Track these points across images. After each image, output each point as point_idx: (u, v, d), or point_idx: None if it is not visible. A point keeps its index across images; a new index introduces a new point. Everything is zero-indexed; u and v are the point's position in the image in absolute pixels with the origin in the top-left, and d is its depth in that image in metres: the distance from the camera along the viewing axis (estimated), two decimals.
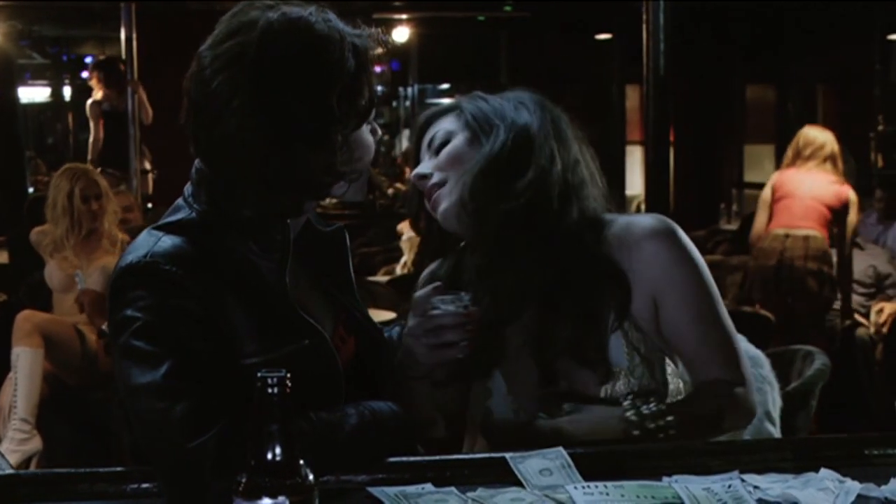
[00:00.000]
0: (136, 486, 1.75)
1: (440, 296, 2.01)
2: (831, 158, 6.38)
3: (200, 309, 1.75)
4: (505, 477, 1.76)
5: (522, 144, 2.14)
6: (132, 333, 1.72)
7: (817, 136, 6.49)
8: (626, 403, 2.07)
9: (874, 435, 1.90)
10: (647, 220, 2.17)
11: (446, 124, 2.22)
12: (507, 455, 1.80)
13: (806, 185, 6.37)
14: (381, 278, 8.77)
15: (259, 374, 1.31)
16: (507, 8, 11.66)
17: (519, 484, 1.74)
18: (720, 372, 2.09)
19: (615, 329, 2.10)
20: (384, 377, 2.06)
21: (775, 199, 6.47)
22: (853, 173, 11.47)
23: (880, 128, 11.33)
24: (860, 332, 6.43)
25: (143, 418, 1.72)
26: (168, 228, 1.84)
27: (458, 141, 2.19)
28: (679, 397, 2.12)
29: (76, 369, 5.18)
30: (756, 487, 1.72)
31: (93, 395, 5.13)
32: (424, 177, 2.20)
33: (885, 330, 6.49)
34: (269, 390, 1.31)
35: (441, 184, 2.18)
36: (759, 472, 1.79)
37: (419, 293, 2.07)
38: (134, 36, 8.65)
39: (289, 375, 1.31)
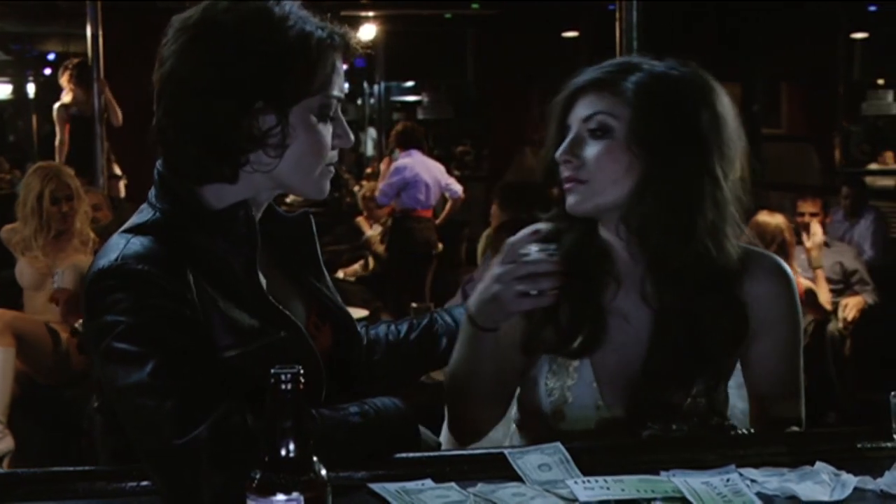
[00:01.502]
0: (134, 484, 1.74)
1: (535, 244, 2.00)
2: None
3: (177, 305, 1.76)
4: (504, 472, 1.76)
5: (695, 173, 2.05)
6: (115, 337, 1.73)
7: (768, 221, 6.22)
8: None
9: (867, 428, 1.92)
10: (769, 258, 2.17)
11: (606, 107, 2.06)
12: (506, 450, 1.81)
13: None
14: (349, 277, 8.78)
15: (273, 371, 1.31)
16: (475, 6, 11.69)
17: (518, 479, 1.75)
18: (784, 410, 2.15)
19: (726, 366, 2.13)
20: (357, 368, 2.09)
21: None
22: (817, 172, 11.63)
23: (845, 126, 11.48)
24: (829, 327, 6.49)
25: (135, 418, 1.72)
26: (136, 230, 1.85)
27: (615, 148, 2.05)
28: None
29: (48, 368, 5.15)
30: (753, 481, 1.74)
31: (65, 393, 5.11)
32: (570, 162, 2.08)
33: (852, 325, 6.57)
34: (283, 387, 1.31)
35: (582, 181, 2.08)
36: (755, 466, 1.80)
37: (515, 238, 2.05)
38: (100, 33, 8.60)
39: (302, 372, 1.31)
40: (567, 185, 2.09)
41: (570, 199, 2.09)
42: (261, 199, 1.93)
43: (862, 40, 11.38)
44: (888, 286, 6.98)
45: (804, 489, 1.70)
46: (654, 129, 2.05)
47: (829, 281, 6.63)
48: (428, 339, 2.28)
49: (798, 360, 2.17)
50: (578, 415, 2.11)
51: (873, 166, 12.38)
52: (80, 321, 5.08)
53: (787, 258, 6.00)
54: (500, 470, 1.77)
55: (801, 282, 6.11)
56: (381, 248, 8.81)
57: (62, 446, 5.05)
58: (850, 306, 6.66)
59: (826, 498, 1.68)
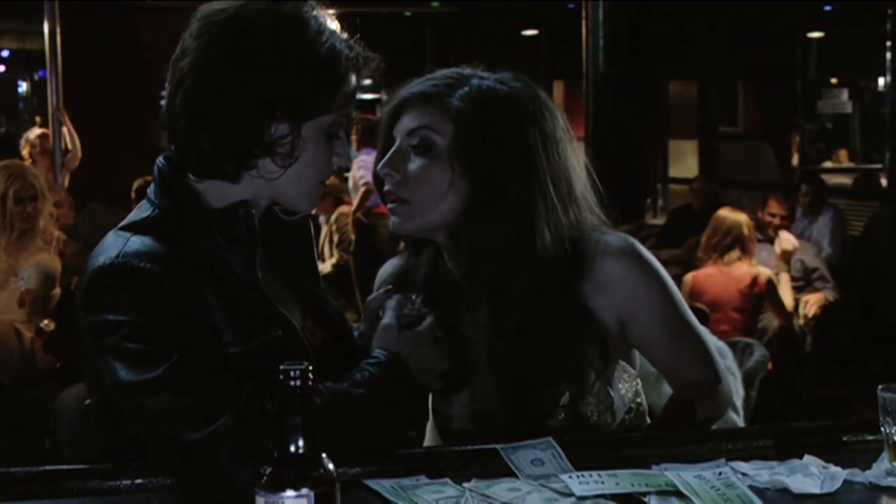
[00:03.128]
0: (129, 482, 1.74)
1: (392, 298, 2.00)
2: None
3: (181, 302, 1.76)
4: (497, 467, 1.77)
5: (517, 174, 2.04)
6: (122, 336, 1.73)
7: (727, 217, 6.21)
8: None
9: (852, 422, 1.95)
10: (611, 242, 2.11)
11: (430, 122, 2.06)
12: (499, 446, 1.82)
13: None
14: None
15: (281, 367, 1.32)
16: (435, 4, 11.70)
17: (511, 474, 1.76)
18: (697, 374, 2.13)
19: (599, 373, 2.10)
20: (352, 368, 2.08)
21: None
22: (773, 170, 11.74)
23: (800, 124, 11.59)
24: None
25: (152, 416, 1.71)
26: (135, 228, 1.84)
27: (437, 166, 2.04)
28: (638, 399, 2.18)
29: (13, 368, 5.10)
30: (744, 475, 1.76)
31: (30, 393, 5.06)
32: (392, 176, 2.07)
33: (812, 321, 6.65)
34: (292, 383, 1.31)
35: (404, 200, 2.06)
36: (745, 459, 1.83)
37: (371, 298, 2.08)
38: (58, 30, 8.54)
39: (311, 368, 1.32)
40: (390, 206, 2.08)
41: (394, 220, 2.07)
42: (259, 201, 1.93)
43: (818, 39, 11.50)
44: (847, 283, 7.07)
45: (795, 482, 1.72)
46: (478, 147, 2.03)
47: (791, 278, 6.70)
48: None
49: (686, 326, 2.13)
50: (463, 435, 2.14)
51: (828, 164, 12.52)
52: (46, 321, 5.05)
53: (745, 253, 6.10)
54: (493, 465, 1.78)
55: (763, 271, 6.15)
56: (335, 246, 8.77)
57: (27, 446, 5.01)
58: (811, 303, 6.73)
59: (816, 490, 1.71)
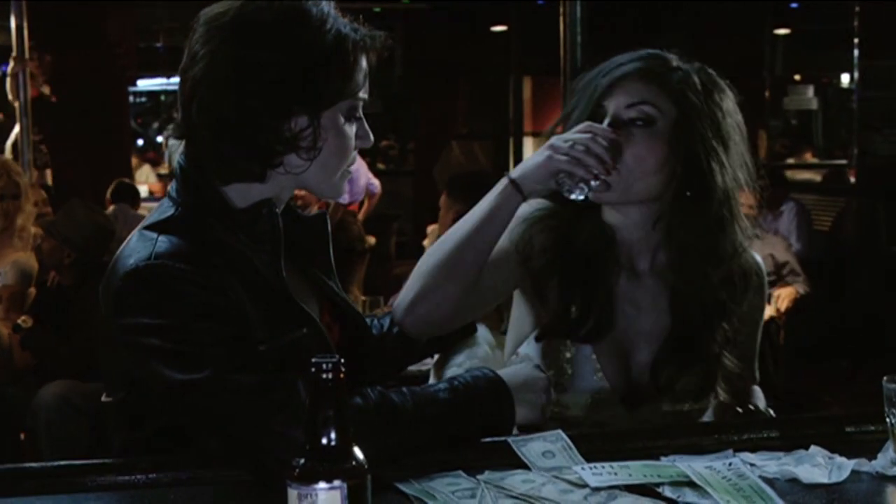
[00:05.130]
0: (143, 476, 1.74)
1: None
2: None
3: (218, 300, 1.76)
4: (508, 460, 1.79)
5: (725, 164, 2.10)
6: (165, 338, 1.73)
7: None
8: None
9: (854, 413, 1.98)
10: (760, 262, 2.25)
11: (651, 98, 2.08)
12: (509, 439, 1.83)
13: None
14: None
15: (313, 360, 1.33)
16: (405, 0, 11.68)
17: (523, 466, 1.78)
18: (749, 377, 2.33)
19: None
20: (370, 364, 2.08)
21: None
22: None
23: (766, 120, 11.67)
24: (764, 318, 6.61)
25: (209, 416, 1.73)
26: (160, 228, 1.84)
27: (655, 141, 2.08)
28: None
29: None
30: (753, 465, 1.79)
31: (6, 390, 5.02)
32: (609, 150, 2.01)
33: (785, 315, 6.70)
34: (324, 376, 1.32)
35: (616, 169, 2.04)
36: (751, 450, 1.86)
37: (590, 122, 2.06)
38: (25, 24, 8.46)
39: (343, 361, 1.33)
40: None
41: (597, 185, 2.05)
42: (283, 197, 1.94)
43: (784, 36, 11.59)
44: (816, 278, 7.13)
45: (804, 472, 1.75)
46: (699, 128, 2.07)
47: None
48: None
49: (757, 341, 2.32)
50: (577, 386, 2.15)
51: (791, 161, 12.61)
52: (23, 318, 5.02)
53: None
54: (504, 458, 1.79)
55: None
56: None
57: (2, 443, 4.98)
58: (783, 297, 6.79)
59: (825, 480, 1.73)
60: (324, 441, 1.32)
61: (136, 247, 1.82)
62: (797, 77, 12.90)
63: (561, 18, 5.12)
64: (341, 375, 1.32)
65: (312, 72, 1.82)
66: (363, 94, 1.91)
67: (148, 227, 1.85)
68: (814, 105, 12.97)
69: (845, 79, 12.55)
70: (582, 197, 2.00)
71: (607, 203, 2.14)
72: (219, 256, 1.82)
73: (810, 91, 12.82)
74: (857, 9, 8.87)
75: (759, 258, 2.26)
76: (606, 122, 2.08)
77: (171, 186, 1.92)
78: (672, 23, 11.50)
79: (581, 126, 2.02)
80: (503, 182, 2.01)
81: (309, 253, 2.05)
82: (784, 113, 12.71)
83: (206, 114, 1.83)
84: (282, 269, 1.88)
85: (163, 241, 1.80)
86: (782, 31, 11.49)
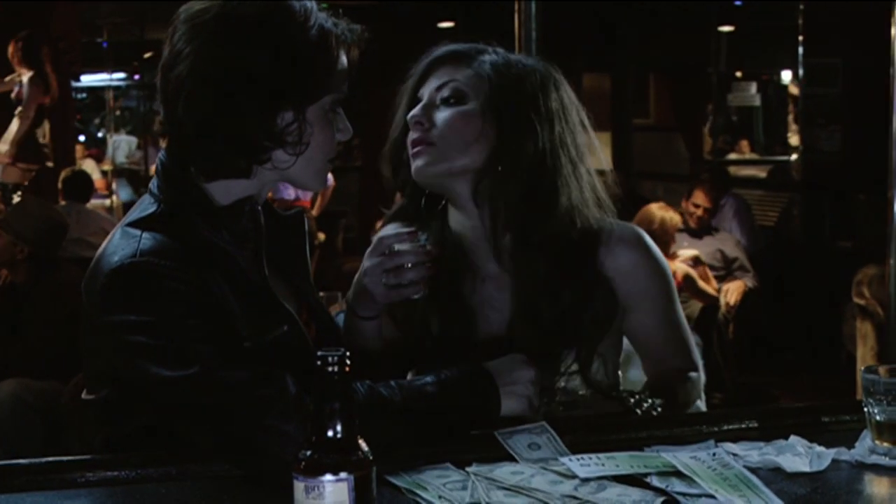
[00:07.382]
0: (133, 472, 1.74)
1: (400, 234, 2.05)
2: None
3: (204, 297, 1.77)
4: (494, 452, 1.80)
5: (549, 149, 2.14)
6: (148, 335, 1.73)
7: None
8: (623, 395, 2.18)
9: (829, 403, 2.03)
10: (625, 231, 2.23)
11: (462, 78, 2.16)
12: (496, 431, 1.85)
13: None
14: None
15: (319, 353, 1.33)
16: None
17: (509, 458, 1.79)
18: (680, 363, 2.25)
19: (597, 342, 2.18)
20: None
21: None
22: (685, 162, 11.92)
23: (710, 116, 11.78)
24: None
25: (199, 413, 1.73)
26: (143, 224, 1.83)
27: (468, 114, 2.13)
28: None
29: None
30: (735, 455, 1.82)
31: None
32: (421, 124, 2.14)
33: (734, 309, 6.80)
34: (330, 368, 1.33)
35: (431, 142, 2.13)
36: (732, 440, 1.89)
37: (382, 232, 2.11)
38: None
39: (348, 353, 1.34)
40: (415, 149, 2.14)
41: (418, 162, 2.14)
42: (263, 194, 1.95)
43: (729, 33, 11.69)
44: (762, 272, 7.23)
45: (786, 461, 1.78)
46: (508, 103, 2.13)
47: (711, 268, 6.83)
48: None
49: (677, 316, 2.25)
50: None
51: (732, 156, 12.74)
52: None
53: (665, 245, 6.23)
54: (490, 450, 1.81)
55: (680, 267, 6.28)
56: None
57: None
58: (732, 291, 6.88)
59: (807, 469, 1.77)
60: (330, 433, 1.33)
61: (119, 244, 1.81)
62: (738, 74, 13.02)
63: (516, 16, 5.15)
64: (347, 368, 1.33)
65: (299, 66, 1.83)
66: (346, 88, 1.92)
67: (131, 224, 1.84)
68: (757, 102, 13.11)
69: (786, 76, 12.70)
70: (417, 295, 2.06)
71: (434, 174, 2.15)
72: (203, 254, 1.82)
73: (753, 87, 12.96)
74: (801, 7, 8.99)
75: (632, 227, 2.26)
76: (420, 105, 2.15)
77: (153, 183, 1.92)
78: (620, 21, 11.60)
79: (379, 247, 2.05)
80: (346, 317, 2.13)
81: (286, 251, 2.05)
82: (726, 109, 12.82)
83: (192, 112, 1.83)
84: (264, 267, 1.89)
85: (147, 239, 1.79)
86: (727, 29, 11.59)
